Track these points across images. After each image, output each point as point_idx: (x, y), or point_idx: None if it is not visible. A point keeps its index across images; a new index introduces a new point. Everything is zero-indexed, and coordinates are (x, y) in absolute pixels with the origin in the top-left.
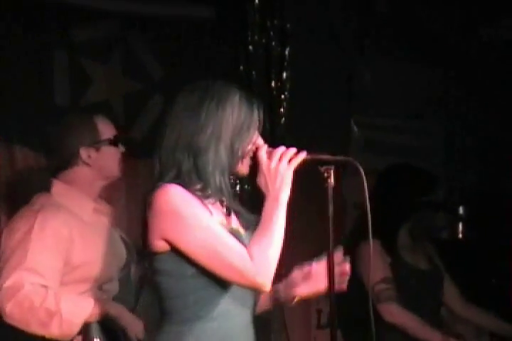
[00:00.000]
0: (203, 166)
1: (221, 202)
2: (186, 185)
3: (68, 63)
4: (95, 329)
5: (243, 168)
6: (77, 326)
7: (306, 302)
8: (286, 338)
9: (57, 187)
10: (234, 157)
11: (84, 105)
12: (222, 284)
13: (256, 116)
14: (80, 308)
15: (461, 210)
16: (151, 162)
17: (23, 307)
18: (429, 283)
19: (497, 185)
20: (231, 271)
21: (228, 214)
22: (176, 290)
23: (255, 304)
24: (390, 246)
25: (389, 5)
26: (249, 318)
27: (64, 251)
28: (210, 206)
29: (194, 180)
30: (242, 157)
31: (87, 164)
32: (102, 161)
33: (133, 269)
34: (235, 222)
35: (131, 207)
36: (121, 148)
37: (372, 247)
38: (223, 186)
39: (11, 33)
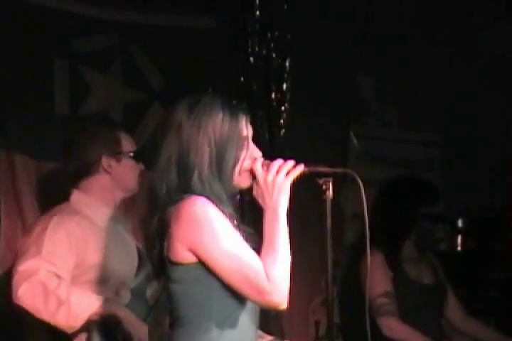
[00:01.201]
0: (194, 185)
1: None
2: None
3: (68, 73)
4: (95, 332)
5: (243, 181)
6: (82, 319)
7: (304, 313)
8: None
9: (76, 195)
10: (222, 175)
11: (84, 114)
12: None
13: (241, 132)
14: (87, 303)
15: (459, 223)
16: (148, 172)
17: (35, 291)
18: (433, 297)
19: (495, 197)
20: (249, 287)
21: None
22: (202, 299)
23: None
24: (392, 259)
25: (387, 17)
26: (256, 329)
27: (76, 249)
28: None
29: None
30: (232, 175)
31: (108, 172)
32: (121, 172)
33: (147, 281)
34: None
35: (132, 214)
36: (141, 166)
37: (376, 260)
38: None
39: (12, 42)
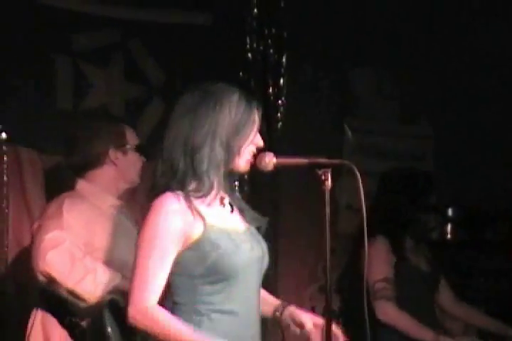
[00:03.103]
0: (198, 164)
1: (221, 200)
2: (182, 185)
3: (70, 69)
4: (108, 318)
5: (243, 165)
6: (106, 289)
7: (301, 299)
8: (281, 334)
9: (81, 184)
10: (229, 154)
11: (86, 109)
12: (229, 284)
13: (254, 116)
14: (111, 275)
15: (449, 212)
16: (152, 164)
17: (64, 257)
18: (429, 283)
19: (484, 187)
20: (131, 288)
21: (231, 211)
22: (188, 286)
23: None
24: (397, 246)
25: (381, 16)
26: (256, 317)
27: (86, 230)
28: (205, 208)
29: (189, 179)
30: (238, 154)
31: (114, 164)
32: (126, 164)
33: None
34: (236, 219)
35: (133, 205)
36: (143, 158)
37: (381, 246)
38: (217, 183)
39: (15, 39)
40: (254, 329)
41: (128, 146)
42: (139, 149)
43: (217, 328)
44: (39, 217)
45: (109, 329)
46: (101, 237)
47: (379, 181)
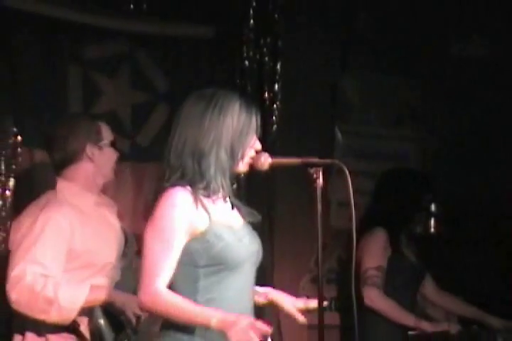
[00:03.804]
0: (206, 169)
1: (224, 198)
2: (192, 184)
3: (81, 77)
4: (99, 312)
5: (243, 167)
6: (74, 311)
7: (295, 289)
8: (276, 321)
9: (61, 184)
10: (234, 159)
11: (95, 114)
12: (230, 275)
13: (254, 122)
14: (76, 296)
15: (433, 207)
16: (156, 165)
17: (25, 295)
18: (417, 274)
19: (464, 184)
20: (141, 277)
21: (232, 208)
22: (190, 276)
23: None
24: (395, 240)
25: (369, 25)
26: (250, 306)
27: (65, 242)
28: (211, 204)
29: (198, 180)
30: (242, 158)
31: (91, 160)
32: (102, 160)
33: (133, 258)
34: (235, 215)
35: (138, 204)
36: (117, 153)
37: (380, 238)
38: (224, 186)
39: (31, 50)
40: (249, 311)
41: (104, 142)
42: (114, 145)
43: None
44: (16, 228)
45: (101, 322)
46: (81, 242)
47: (381, 178)
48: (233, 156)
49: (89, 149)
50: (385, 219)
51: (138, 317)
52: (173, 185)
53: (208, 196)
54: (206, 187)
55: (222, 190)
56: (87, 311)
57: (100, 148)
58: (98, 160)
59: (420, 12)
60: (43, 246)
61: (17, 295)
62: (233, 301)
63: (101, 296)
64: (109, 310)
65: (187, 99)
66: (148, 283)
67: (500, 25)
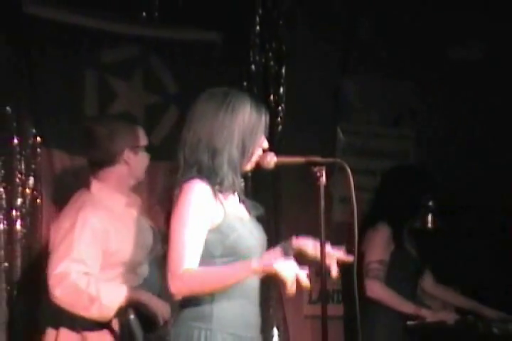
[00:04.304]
0: (220, 166)
1: (233, 193)
2: (208, 179)
3: (97, 80)
4: (130, 310)
5: (250, 165)
6: (113, 310)
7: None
8: (282, 312)
9: (95, 185)
10: (245, 157)
11: (110, 115)
12: None
13: (263, 121)
14: (116, 295)
15: (430, 203)
16: (168, 163)
17: (69, 292)
18: (417, 267)
19: (459, 181)
20: (169, 263)
21: (239, 202)
22: (206, 266)
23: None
24: (398, 235)
25: (369, 30)
26: (257, 295)
27: (100, 242)
28: (222, 198)
29: (213, 176)
30: (251, 156)
31: (127, 163)
32: (137, 163)
33: (159, 254)
34: (243, 208)
35: (152, 200)
36: (149, 156)
37: (383, 234)
38: (236, 182)
39: (49, 55)
40: (257, 305)
41: (140, 147)
42: (147, 149)
43: (227, 303)
44: (56, 228)
45: (132, 320)
46: (114, 242)
47: (385, 176)
48: (244, 154)
49: (127, 153)
50: (388, 215)
51: (166, 322)
52: (193, 177)
53: (221, 191)
54: (220, 183)
55: (233, 186)
56: (119, 309)
57: (136, 152)
58: (133, 164)
59: (418, 18)
60: (82, 245)
61: (61, 292)
62: (244, 289)
63: (137, 297)
64: (141, 310)
65: (200, 97)
66: (176, 269)
67: (496, 30)
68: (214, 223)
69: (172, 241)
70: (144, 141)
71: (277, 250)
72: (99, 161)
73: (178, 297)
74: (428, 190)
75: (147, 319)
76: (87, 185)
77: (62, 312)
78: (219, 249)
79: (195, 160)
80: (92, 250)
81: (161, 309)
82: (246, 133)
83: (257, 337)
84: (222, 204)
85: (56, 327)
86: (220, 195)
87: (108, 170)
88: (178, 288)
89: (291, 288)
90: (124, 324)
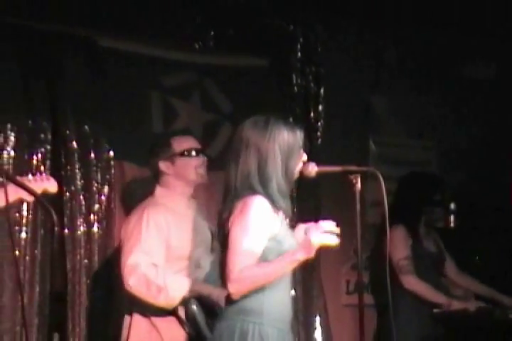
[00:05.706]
0: (272, 192)
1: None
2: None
3: (161, 101)
4: (193, 300)
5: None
6: (178, 299)
7: (338, 274)
8: (323, 301)
9: (158, 190)
10: (291, 179)
11: (173, 132)
12: None
13: (299, 143)
14: (181, 286)
15: (452, 206)
16: (223, 173)
17: (141, 282)
18: (436, 261)
19: (476, 185)
20: (227, 267)
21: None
22: None
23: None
24: (412, 232)
25: (396, 54)
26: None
27: (164, 237)
28: (277, 211)
29: (267, 198)
30: (296, 174)
31: (167, 173)
32: (178, 170)
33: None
34: (287, 225)
35: (211, 206)
36: (199, 159)
37: (400, 232)
38: (284, 206)
39: (120, 81)
40: (290, 303)
41: (174, 155)
42: (190, 152)
43: (273, 297)
44: (126, 222)
45: (195, 309)
46: (176, 239)
47: (399, 182)
48: (290, 176)
49: (162, 164)
50: (402, 216)
51: None
52: (254, 193)
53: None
54: (272, 204)
55: (283, 208)
56: (183, 299)
57: (172, 161)
58: (174, 171)
59: (436, 42)
60: (149, 238)
61: (134, 281)
62: (286, 282)
63: (199, 289)
64: (204, 300)
65: (244, 124)
66: (233, 272)
67: (507, 50)
68: (272, 233)
69: (233, 246)
70: (178, 147)
71: (300, 231)
72: (152, 174)
73: (236, 297)
74: (434, 191)
75: (208, 308)
76: (152, 192)
77: (134, 300)
78: (273, 254)
79: (248, 186)
80: (157, 243)
81: (215, 292)
82: (287, 157)
83: (289, 331)
84: (278, 216)
85: (130, 313)
86: (275, 209)
87: (161, 179)
88: (236, 289)
89: (336, 245)
90: (189, 312)
